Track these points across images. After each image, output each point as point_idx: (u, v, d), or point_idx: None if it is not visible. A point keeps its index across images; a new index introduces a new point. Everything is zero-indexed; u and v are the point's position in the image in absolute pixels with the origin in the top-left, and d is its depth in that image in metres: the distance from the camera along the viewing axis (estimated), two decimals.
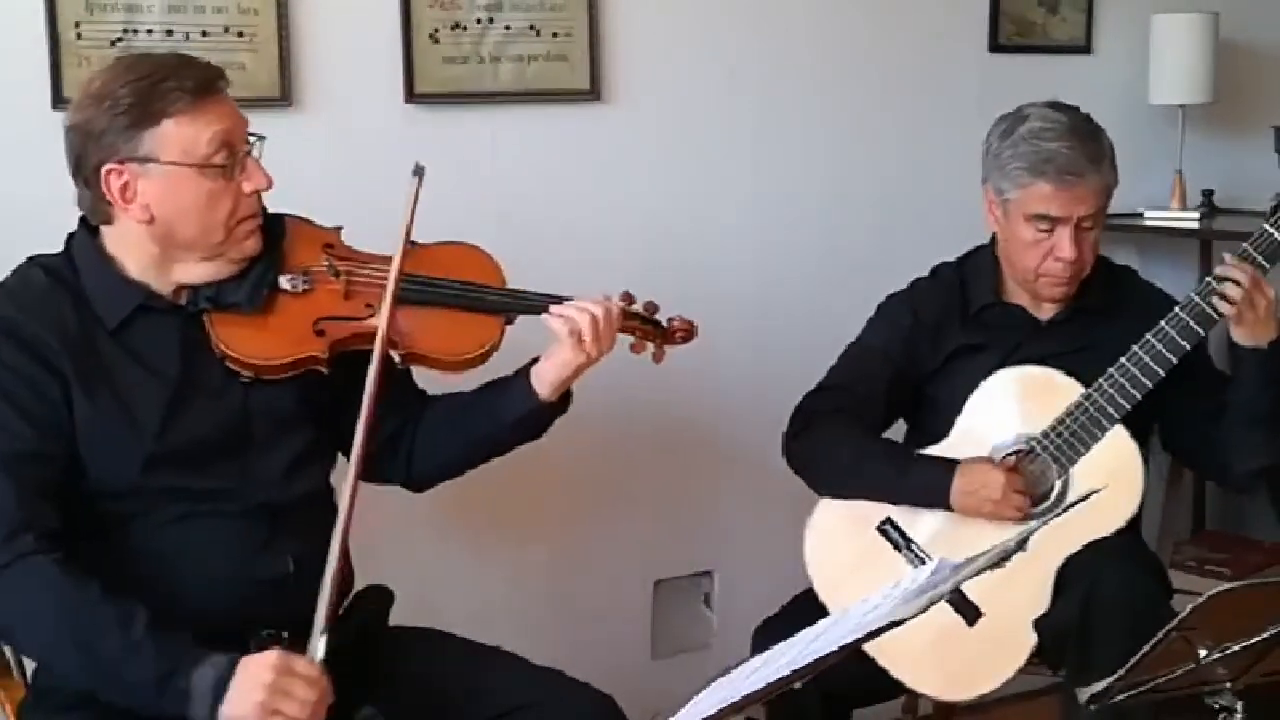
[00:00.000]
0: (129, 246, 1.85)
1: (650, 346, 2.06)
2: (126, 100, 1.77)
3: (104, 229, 1.86)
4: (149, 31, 2.41)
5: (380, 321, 1.86)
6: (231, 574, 1.83)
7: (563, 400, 2.01)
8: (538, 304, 1.98)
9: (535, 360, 1.99)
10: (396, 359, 1.95)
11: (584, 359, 1.94)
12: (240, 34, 2.46)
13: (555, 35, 2.73)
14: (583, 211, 2.83)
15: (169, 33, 2.42)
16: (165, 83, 1.78)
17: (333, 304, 1.90)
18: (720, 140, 2.96)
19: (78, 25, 2.37)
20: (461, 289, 1.96)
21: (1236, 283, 2.17)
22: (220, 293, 1.86)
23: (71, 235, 1.90)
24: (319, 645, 1.75)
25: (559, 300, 1.98)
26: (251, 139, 1.86)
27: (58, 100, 2.37)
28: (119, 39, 2.40)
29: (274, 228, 1.92)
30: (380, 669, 1.96)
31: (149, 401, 1.82)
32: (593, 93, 2.78)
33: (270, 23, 2.49)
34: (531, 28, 2.72)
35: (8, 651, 2.03)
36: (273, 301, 1.88)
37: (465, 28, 2.66)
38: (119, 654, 1.66)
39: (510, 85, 2.71)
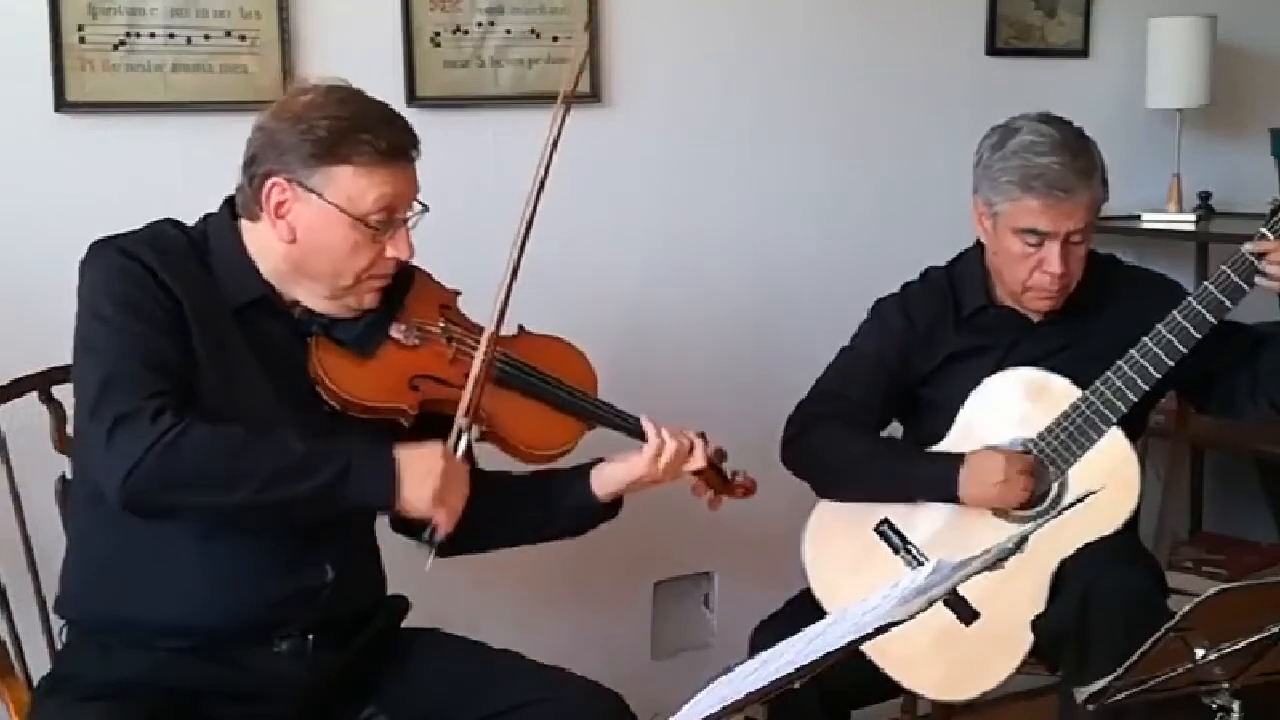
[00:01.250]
0: (263, 251, 1.88)
1: (710, 493, 2.11)
2: (321, 132, 1.81)
3: (246, 223, 1.89)
4: (151, 35, 2.42)
5: (475, 364, 1.89)
6: (271, 575, 1.85)
7: (612, 507, 2.05)
8: (624, 422, 2.03)
9: (595, 461, 2.03)
10: (475, 434, 1.96)
11: (650, 476, 2.00)
12: (242, 37, 2.47)
13: (555, 39, 2.74)
14: (583, 214, 2.84)
15: (171, 36, 2.44)
16: (363, 133, 1.82)
17: (436, 365, 1.93)
18: (719, 143, 2.97)
19: (80, 29, 2.38)
20: (557, 387, 2.00)
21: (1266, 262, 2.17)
22: (334, 326, 1.89)
23: (208, 215, 1.92)
24: (460, 446, 1.85)
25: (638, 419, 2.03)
26: (415, 208, 1.89)
27: (60, 103, 2.38)
28: (121, 42, 2.41)
29: (401, 276, 1.94)
30: (386, 670, 1.97)
31: (253, 385, 1.84)
32: (593, 96, 2.79)
33: (272, 26, 2.50)
34: (532, 31, 2.73)
35: (10, 649, 2.05)
36: (379, 345, 1.90)
37: (466, 31, 2.68)
38: (293, 471, 1.73)
39: (511, 88, 2.72)
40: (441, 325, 1.96)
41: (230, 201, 1.91)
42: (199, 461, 1.70)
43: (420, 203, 1.89)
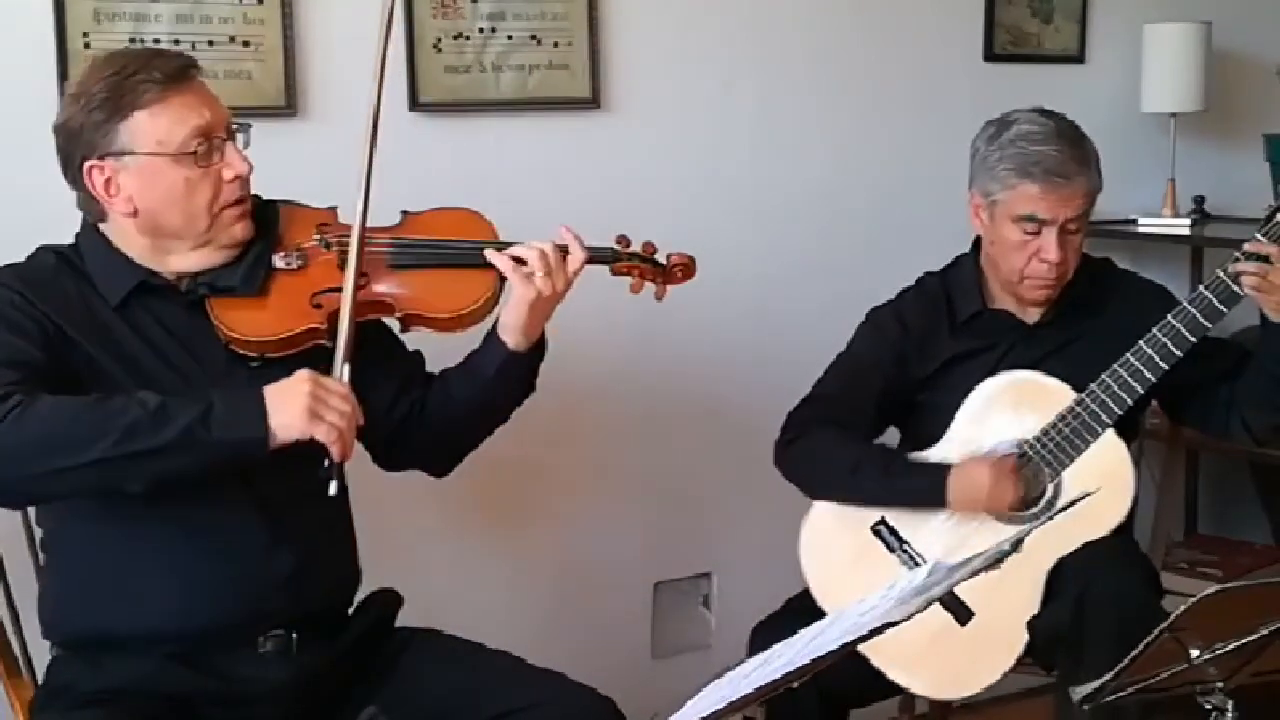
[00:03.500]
0: (125, 239, 1.88)
1: (649, 285, 2.05)
2: (100, 95, 1.81)
3: (102, 226, 1.90)
4: (156, 41, 2.44)
5: (353, 234, 1.87)
6: (236, 570, 1.85)
7: (537, 347, 1.99)
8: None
9: (496, 322, 1.99)
10: (396, 325, 1.96)
11: (534, 294, 1.91)
12: (246, 44, 2.49)
13: (556, 45, 2.76)
14: (582, 218, 2.83)
15: (176, 42, 2.45)
16: (135, 75, 1.81)
17: (328, 276, 1.92)
18: (718, 148, 2.99)
19: (85, 35, 2.40)
20: (449, 247, 1.97)
21: (1256, 268, 2.19)
22: (217, 278, 1.88)
23: (77, 232, 1.94)
24: (344, 371, 1.80)
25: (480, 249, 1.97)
26: (236, 126, 1.89)
27: None
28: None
29: (267, 213, 1.94)
30: (383, 670, 1.98)
31: (157, 374, 1.85)
32: (593, 101, 2.81)
33: (276, 33, 2.52)
34: (533, 37, 2.75)
35: (16, 650, 2.06)
36: (270, 281, 1.90)
37: (468, 37, 2.69)
38: (150, 420, 1.68)
39: (512, 94, 2.74)
40: (317, 238, 1.95)
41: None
42: (45, 426, 1.67)
43: (236, 121, 1.90)
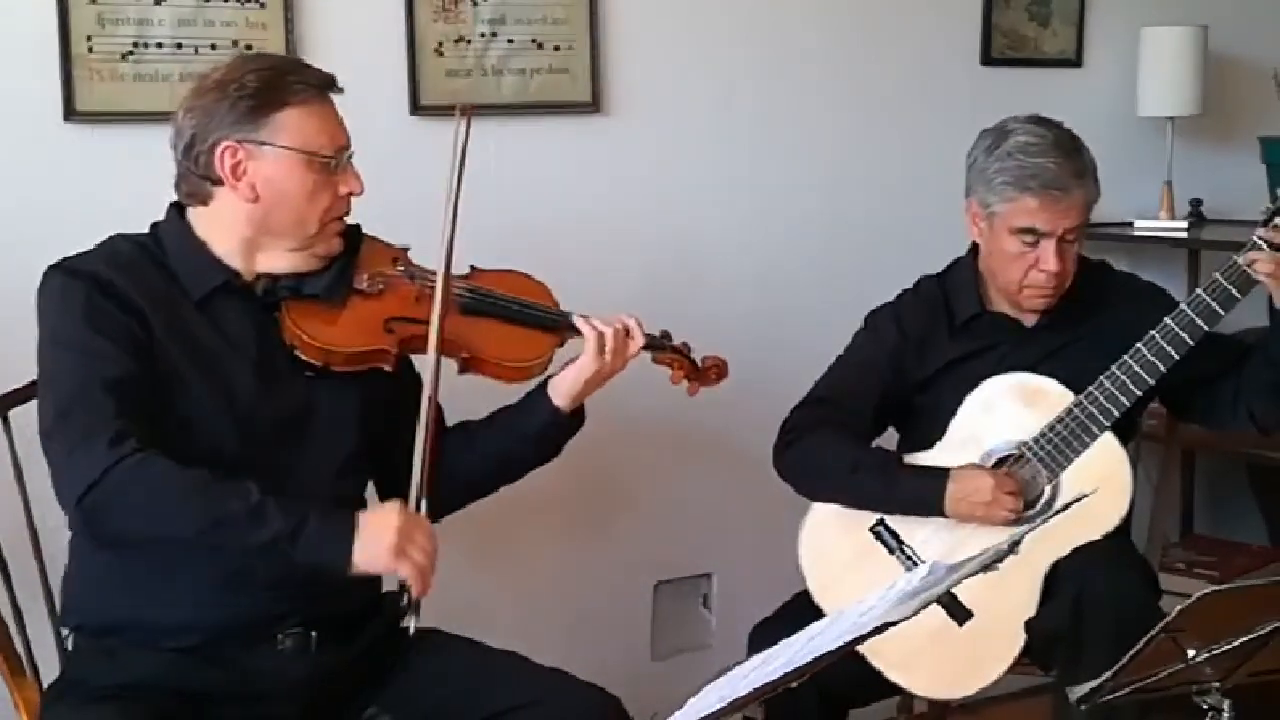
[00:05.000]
0: (221, 227, 1.91)
1: (685, 381, 2.18)
2: (253, 85, 1.86)
3: (195, 212, 1.92)
4: (159, 45, 2.45)
5: (439, 277, 1.93)
6: (270, 567, 1.84)
7: (576, 415, 2.07)
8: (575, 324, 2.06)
9: (546, 381, 2.07)
10: (456, 366, 2.01)
11: (600, 367, 2.02)
12: (249, 47, 2.49)
13: (557, 49, 2.78)
14: (583, 221, 2.87)
15: (179, 46, 2.46)
16: (291, 75, 1.89)
17: (405, 306, 1.98)
18: (718, 151, 3.00)
19: (89, 39, 2.41)
20: (522, 304, 2.06)
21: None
22: (301, 283, 1.93)
23: (155, 223, 1.96)
24: (423, 505, 1.86)
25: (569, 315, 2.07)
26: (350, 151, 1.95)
27: (69, 112, 2.41)
28: (129, 52, 2.44)
29: (352, 235, 2.00)
30: (387, 669, 1.99)
31: (234, 372, 1.88)
32: (594, 105, 2.83)
33: (278, 37, 2.52)
34: (534, 41, 2.76)
35: (19, 649, 2.07)
36: (347, 298, 1.96)
37: (469, 41, 2.71)
38: (245, 518, 1.73)
39: (513, 97, 2.75)
40: (402, 268, 2.02)
41: (175, 205, 1.95)
42: (151, 493, 1.73)
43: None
